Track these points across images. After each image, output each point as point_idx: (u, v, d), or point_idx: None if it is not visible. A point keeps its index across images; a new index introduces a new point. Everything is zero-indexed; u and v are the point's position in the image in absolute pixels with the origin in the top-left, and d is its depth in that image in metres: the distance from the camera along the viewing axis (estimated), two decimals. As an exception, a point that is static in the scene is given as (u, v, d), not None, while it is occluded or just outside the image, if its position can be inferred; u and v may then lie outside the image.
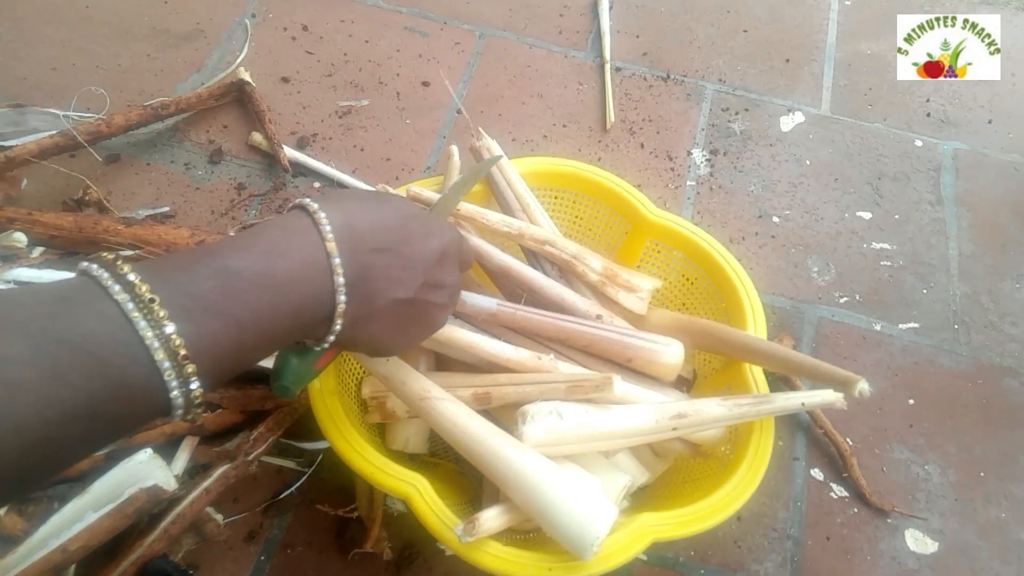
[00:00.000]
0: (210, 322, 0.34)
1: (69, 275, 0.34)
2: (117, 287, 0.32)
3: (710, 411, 0.58)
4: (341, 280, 0.40)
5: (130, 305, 0.31)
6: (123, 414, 0.32)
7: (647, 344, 0.61)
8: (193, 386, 0.33)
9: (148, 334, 0.31)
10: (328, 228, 0.40)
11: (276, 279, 0.37)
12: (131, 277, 0.32)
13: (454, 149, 0.72)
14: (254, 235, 0.39)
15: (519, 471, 0.51)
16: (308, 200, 0.41)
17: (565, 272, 0.69)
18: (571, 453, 0.57)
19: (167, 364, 0.32)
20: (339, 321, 0.41)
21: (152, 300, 0.32)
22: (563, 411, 0.55)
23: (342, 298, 0.40)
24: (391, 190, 0.56)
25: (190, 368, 0.33)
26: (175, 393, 0.33)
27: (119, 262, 0.33)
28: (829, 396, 0.58)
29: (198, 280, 0.34)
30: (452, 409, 0.54)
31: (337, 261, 0.39)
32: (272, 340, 0.38)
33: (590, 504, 0.50)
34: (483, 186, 0.71)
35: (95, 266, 0.33)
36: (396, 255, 0.43)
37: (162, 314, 0.32)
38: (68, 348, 0.29)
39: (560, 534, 0.50)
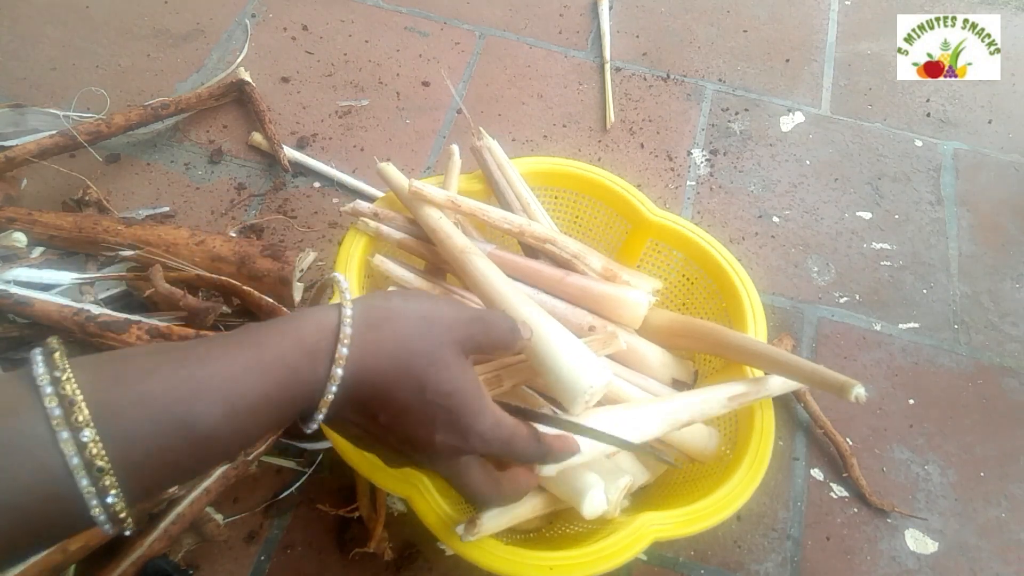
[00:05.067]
0: (144, 427, 0.31)
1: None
2: (50, 390, 0.29)
3: (712, 399, 0.59)
4: (339, 372, 0.36)
5: (57, 412, 0.29)
6: (47, 531, 0.30)
7: (613, 291, 0.65)
8: (110, 500, 0.29)
9: (66, 442, 0.29)
10: (349, 326, 0.37)
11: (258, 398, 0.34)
12: (66, 389, 0.29)
13: (455, 148, 0.72)
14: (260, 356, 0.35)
15: (530, 320, 0.53)
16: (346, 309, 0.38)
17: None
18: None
19: (84, 478, 0.29)
20: (323, 411, 0.37)
21: (73, 403, 0.29)
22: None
23: (333, 388, 0.37)
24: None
25: (107, 481, 0.29)
26: (96, 509, 0.30)
27: (59, 360, 0.30)
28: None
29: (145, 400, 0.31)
30: (484, 264, 0.60)
31: (344, 351, 0.36)
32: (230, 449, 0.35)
33: (588, 360, 0.53)
34: (484, 185, 0.71)
35: (39, 359, 0.31)
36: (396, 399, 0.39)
37: (81, 418, 0.29)
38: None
39: (557, 380, 0.52)
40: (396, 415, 0.39)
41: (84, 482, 0.29)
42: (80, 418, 0.29)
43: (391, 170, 0.68)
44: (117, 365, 0.32)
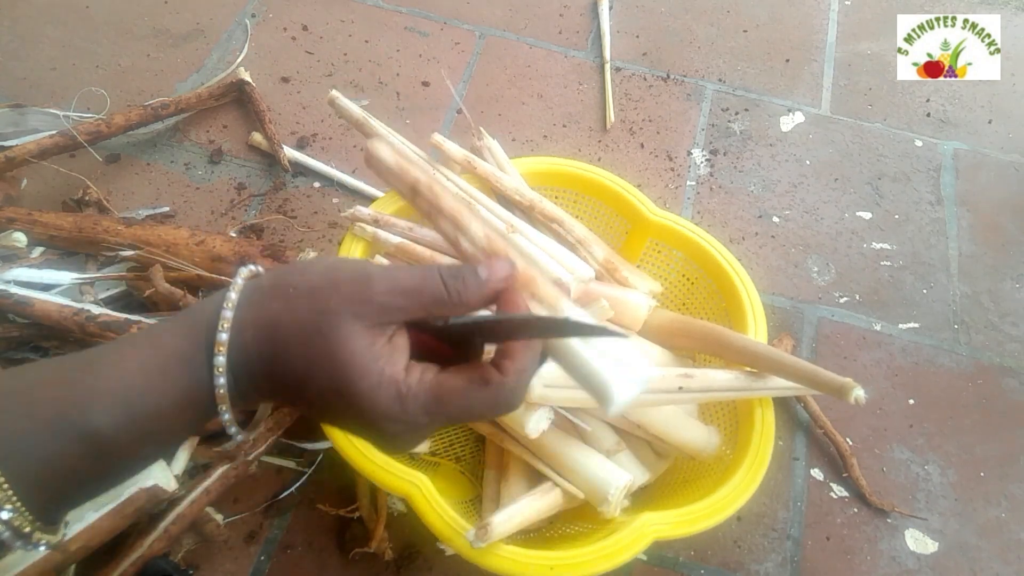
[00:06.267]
0: (38, 437, 0.30)
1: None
2: None
3: (716, 376, 0.58)
4: (221, 359, 0.33)
5: None
6: None
7: (614, 293, 0.66)
8: (5, 515, 0.29)
9: None
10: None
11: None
12: None
13: (440, 139, 0.69)
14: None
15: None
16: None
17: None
18: (579, 402, 0.57)
19: None
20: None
21: None
22: None
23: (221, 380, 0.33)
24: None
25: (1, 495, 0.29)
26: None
27: None
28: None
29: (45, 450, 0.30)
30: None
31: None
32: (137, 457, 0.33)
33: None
34: (485, 184, 0.71)
35: None
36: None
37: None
38: None
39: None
40: (315, 397, 0.34)
41: None
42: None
43: (341, 100, 0.61)
44: (8, 381, 0.31)
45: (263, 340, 0.33)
